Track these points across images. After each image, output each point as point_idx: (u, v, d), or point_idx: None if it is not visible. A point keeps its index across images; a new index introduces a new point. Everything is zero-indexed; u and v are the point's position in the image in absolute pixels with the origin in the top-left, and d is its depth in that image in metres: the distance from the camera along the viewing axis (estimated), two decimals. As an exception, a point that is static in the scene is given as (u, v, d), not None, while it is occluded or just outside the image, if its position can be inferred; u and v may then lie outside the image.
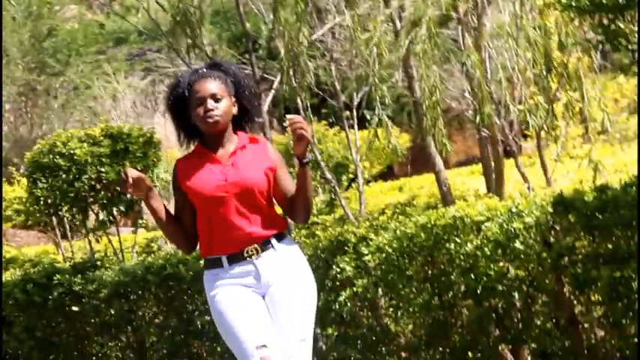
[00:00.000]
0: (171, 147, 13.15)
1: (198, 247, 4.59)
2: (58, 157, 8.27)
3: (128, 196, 8.41)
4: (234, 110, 4.55)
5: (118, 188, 4.29)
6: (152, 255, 9.33)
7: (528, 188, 8.91)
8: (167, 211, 4.49)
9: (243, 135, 4.60)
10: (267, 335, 4.39)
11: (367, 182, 17.48)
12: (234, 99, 4.55)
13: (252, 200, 4.44)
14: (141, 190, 4.33)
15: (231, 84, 4.55)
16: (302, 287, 4.54)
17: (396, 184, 18.71)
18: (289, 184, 4.53)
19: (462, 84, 10.41)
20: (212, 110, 4.43)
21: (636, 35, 6.26)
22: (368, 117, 11.12)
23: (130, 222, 16.21)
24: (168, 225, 4.51)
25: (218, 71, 4.57)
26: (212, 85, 4.48)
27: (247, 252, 4.44)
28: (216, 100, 4.45)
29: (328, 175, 9.51)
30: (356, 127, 10.92)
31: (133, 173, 4.29)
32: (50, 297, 7.53)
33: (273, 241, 4.49)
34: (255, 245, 4.44)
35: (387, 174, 22.58)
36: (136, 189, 4.30)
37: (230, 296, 4.46)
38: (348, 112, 10.77)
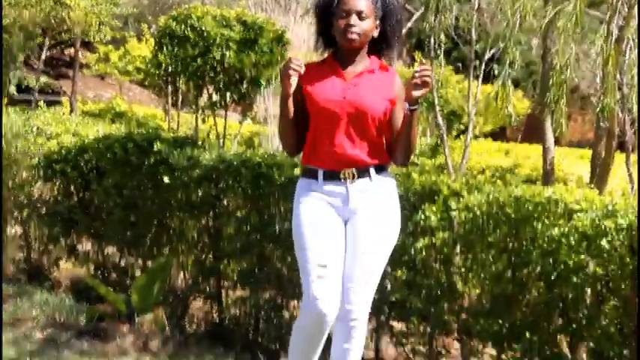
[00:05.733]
0: (298, 49, 13.20)
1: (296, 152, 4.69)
2: (189, 29, 8.35)
3: (245, 85, 8.50)
4: (375, 33, 4.59)
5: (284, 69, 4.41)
6: (251, 149, 9.47)
7: (632, 189, 8.79)
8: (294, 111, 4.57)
9: (375, 59, 4.64)
10: (331, 260, 4.48)
11: (476, 137, 17.35)
12: (378, 22, 4.58)
13: (363, 125, 4.49)
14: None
15: (380, 7, 4.58)
16: (385, 224, 4.60)
17: (503, 146, 18.55)
18: (399, 123, 4.56)
19: (596, 67, 10.23)
20: (353, 26, 4.48)
21: None
22: (495, 73, 11.00)
23: (239, 109, 16.44)
24: (290, 121, 4.59)
25: None
26: (360, 2, 4.51)
27: (344, 174, 4.52)
28: (361, 18, 4.49)
29: (440, 121, 9.49)
30: (480, 80, 10.85)
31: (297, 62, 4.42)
32: (146, 162, 7.73)
33: (372, 170, 4.54)
34: (353, 169, 4.51)
35: (498, 134, 22.43)
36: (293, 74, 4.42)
37: (313, 213, 4.55)
38: (476, 63, 10.68)
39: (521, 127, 22.68)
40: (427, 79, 4.31)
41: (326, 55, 4.72)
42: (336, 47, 4.62)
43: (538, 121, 9.67)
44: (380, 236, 4.54)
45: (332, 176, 4.53)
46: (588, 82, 11.17)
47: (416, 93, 4.36)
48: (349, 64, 4.59)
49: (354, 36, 4.48)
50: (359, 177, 4.52)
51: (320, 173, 4.55)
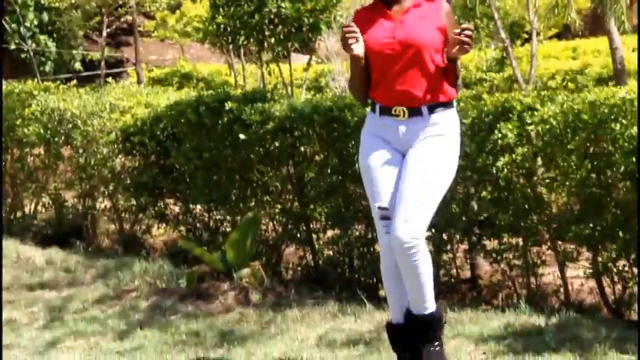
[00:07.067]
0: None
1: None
2: (242, -14, 8.35)
3: (304, 30, 8.51)
4: None
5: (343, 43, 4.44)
6: (320, 92, 9.49)
7: None
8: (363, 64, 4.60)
9: None
10: (390, 200, 4.52)
11: (540, 42, 17.05)
12: None
13: (418, 60, 4.48)
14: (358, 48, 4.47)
15: None
16: (439, 152, 4.57)
17: (570, 44, 18.18)
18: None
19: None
20: None
21: None
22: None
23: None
24: (360, 75, 4.63)
25: None
26: None
27: (395, 111, 4.55)
28: None
29: (502, 34, 9.38)
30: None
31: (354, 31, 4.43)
32: (220, 122, 7.85)
33: (424, 108, 4.54)
34: (404, 107, 4.53)
35: (562, 33, 21.96)
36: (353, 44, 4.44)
37: (371, 150, 4.63)
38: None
39: (585, 21, 22.14)
40: (469, 40, 4.23)
41: None
42: None
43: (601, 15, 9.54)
44: (432, 161, 4.52)
45: (386, 112, 4.58)
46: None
47: (455, 52, 4.30)
48: (395, 3, 4.59)
49: None
50: (410, 115, 4.53)
51: (377, 108, 4.61)
